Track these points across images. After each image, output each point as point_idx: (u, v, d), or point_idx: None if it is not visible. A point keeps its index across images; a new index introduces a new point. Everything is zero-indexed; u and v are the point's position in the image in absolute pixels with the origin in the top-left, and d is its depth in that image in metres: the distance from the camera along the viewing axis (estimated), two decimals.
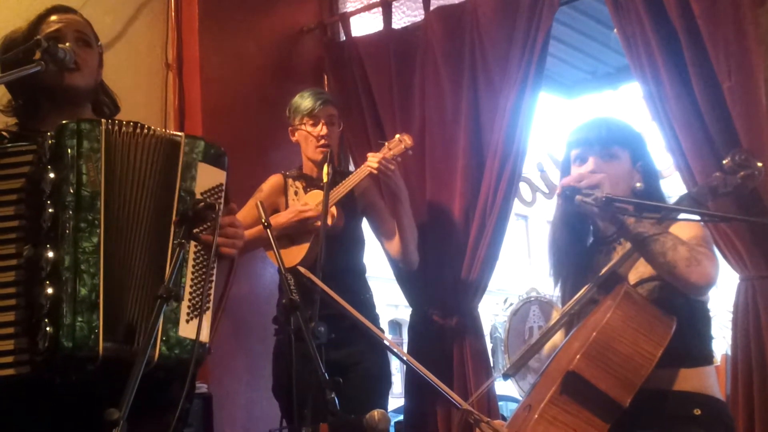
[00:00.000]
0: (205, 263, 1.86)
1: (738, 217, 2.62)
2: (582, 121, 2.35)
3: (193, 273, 1.84)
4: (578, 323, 2.15)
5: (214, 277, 1.88)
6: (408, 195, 3.24)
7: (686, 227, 2.13)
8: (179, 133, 1.95)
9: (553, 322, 2.22)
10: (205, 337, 1.83)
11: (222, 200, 1.93)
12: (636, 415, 1.95)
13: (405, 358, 2.07)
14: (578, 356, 1.89)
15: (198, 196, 1.88)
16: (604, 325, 1.92)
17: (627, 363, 1.91)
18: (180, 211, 1.85)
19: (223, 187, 1.95)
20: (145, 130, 1.91)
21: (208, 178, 1.92)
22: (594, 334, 1.92)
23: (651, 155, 2.32)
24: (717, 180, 2.11)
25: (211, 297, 1.88)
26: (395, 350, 2.03)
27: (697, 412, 2.05)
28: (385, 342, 2.16)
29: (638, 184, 2.22)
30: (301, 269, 2.28)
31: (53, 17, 2.07)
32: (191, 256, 1.85)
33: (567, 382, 1.91)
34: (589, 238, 2.37)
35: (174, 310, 1.80)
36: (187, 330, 1.80)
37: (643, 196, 2.21)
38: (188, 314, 1.82)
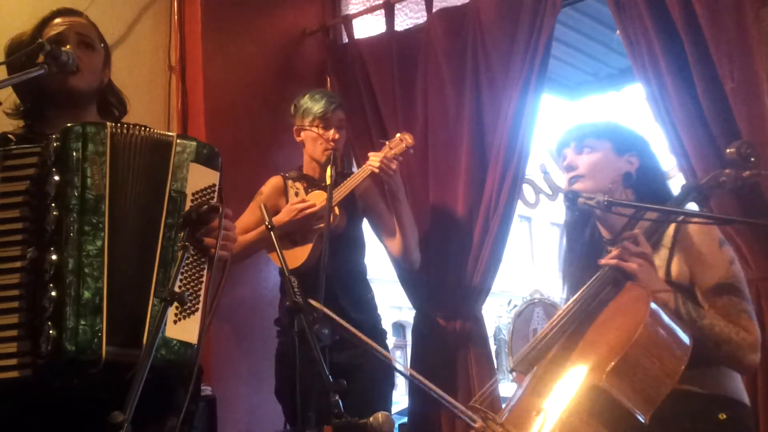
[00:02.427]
0: (195, 264, 1.85)
1: (742, 220, 2.62)
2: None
3: (182, 274, 1.83)
4: (584, 320, 2.12)
5: (203, 278, 1.87)
6: (406, 194, 3.25)
7: (714, 258, 2.13)
8: (171, 134, 1.94)
9: (559, 318, 2.14)
10: (193, 338, 1.82)
11: (215, 201, 1.93)
12: (658, 414, 1.92)
13: (411, 376, 2.03)
14: (608, 372, 1.86)
15: (189, 197, 1.88)
16: (635, 341, 1.90)
17: (652, 380, 1.89)
18: (170, 210, 1.85)
19: (216, 188, 1.94)
20: (138, 131, 1.91)
21: (200, 178, 1.92)
22: (625, 350, 1.89)
23: (649, 150, 2.35)
24: (725, 176, 2.13)
25: (201, 298, 1.86)
26: (402, 370, 1.99)
27: (723, 416, 2.04)
28: (387, 355, 2.11)
29: (628, 171, 2.28)
30: (313, 303, 2.24)
31: (57, 20, 2.08)
32: (180, 255, 1.84)
33: (592, 395, 1.88)
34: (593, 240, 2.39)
35: (161, 310, 1.79)
36: (174, 331, 1.79)
37: (638, 186, 2.27)
38: (176, 315, 1.80)
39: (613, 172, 2.28)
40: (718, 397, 2.06)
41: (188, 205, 1.88)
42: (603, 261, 2.12)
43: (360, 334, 1.94)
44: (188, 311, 1.82)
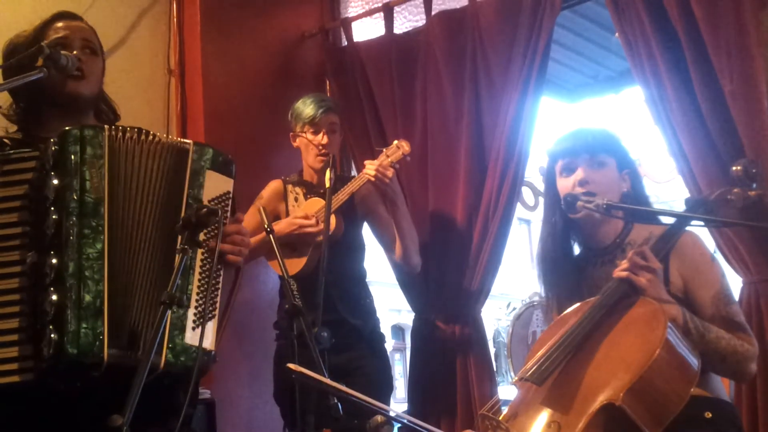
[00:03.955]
0: (211, 271, 1.86)
1: (741, 223, 2.61)
2: (563, 133, 2.36)
3: (199, 280, 1.84)
4: (595, 331, 2.08)
5: (220, 285, 1.88)
6: (405, 200, 3.25)
7: (708, 270, 2.16)
8: (187, 141, 1.95)
9: (571, 329, 2.09)
10: (210, 344, 1.84)
11: (229, 208, 1.94)
12: None
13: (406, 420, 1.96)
14: (625, 391, 1.86)
15: (205, 203, 1.88)
16: (653, 362, 1.89)
17: (663, 401, 1.90)
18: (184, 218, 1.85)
19: (230, 195, 1.95)
20: (150, 137, 1.91)
21: (215, 185, 1.93)
22: (643, 370, 1.88)
23: (637, 171, 2.35)
24: (733, 194, 2.14)
25: (217, 304, 1.87)
26: (393, 415, 1.92)
27: (708, 415, 2.06)
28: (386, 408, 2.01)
29: (626, 189, 2.27)
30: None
31: (59, 23, 2.06)
32: (198, 263, 1.84)
33: (607, 412, 1.87)
34: (575, 248, 2.38)
35: (180, 317, 1.79)
36: (193, 337, 1.80)
37: (631, 200, 2.25)
38: (194, 321, 1.81)
39: (617, 190, 2.26)
40: (699, 397, 2.06)
41: None
42: (615, 273, 2.11)
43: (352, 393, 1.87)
44: (206, 318, 1.83)
